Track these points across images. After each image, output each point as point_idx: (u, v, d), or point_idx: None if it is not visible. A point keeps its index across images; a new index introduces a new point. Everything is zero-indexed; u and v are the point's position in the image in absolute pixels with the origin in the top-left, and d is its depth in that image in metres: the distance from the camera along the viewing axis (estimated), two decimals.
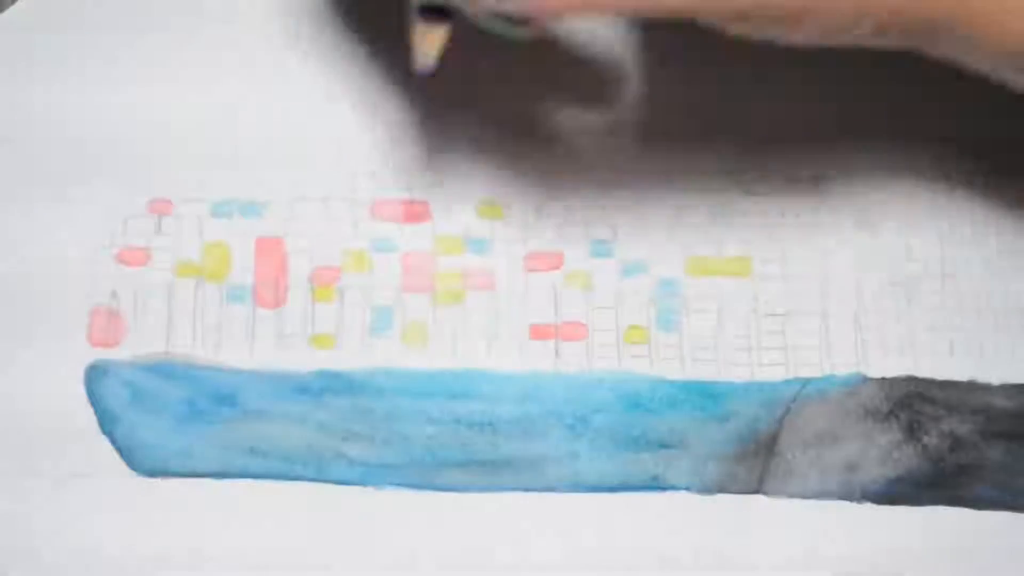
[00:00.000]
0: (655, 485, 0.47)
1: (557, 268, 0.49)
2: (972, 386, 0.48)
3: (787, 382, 0.48)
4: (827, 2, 0.42)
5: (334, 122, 0.50)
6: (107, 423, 0.47)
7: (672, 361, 0.48)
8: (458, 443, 0.47)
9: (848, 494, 0.47)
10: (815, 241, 0.50)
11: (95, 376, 0.47)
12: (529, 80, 0.51)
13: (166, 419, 0.47)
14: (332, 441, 0.47)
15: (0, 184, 0.49)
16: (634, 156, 0.50)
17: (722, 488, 0.47)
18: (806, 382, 0.48)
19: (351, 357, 0.48)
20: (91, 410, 0.47)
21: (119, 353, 0.48)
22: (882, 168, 0.50)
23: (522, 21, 0.43)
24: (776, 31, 0.43)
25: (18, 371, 0.47)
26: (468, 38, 0.51)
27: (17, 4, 0.51)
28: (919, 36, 0.43)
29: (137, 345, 0.48)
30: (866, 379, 0.48)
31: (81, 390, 0.47)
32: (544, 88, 0.51)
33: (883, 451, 0.48)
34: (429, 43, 0.45)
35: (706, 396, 0.48)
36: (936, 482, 0.47)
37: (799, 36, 0.43)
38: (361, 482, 0.47)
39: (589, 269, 0.49)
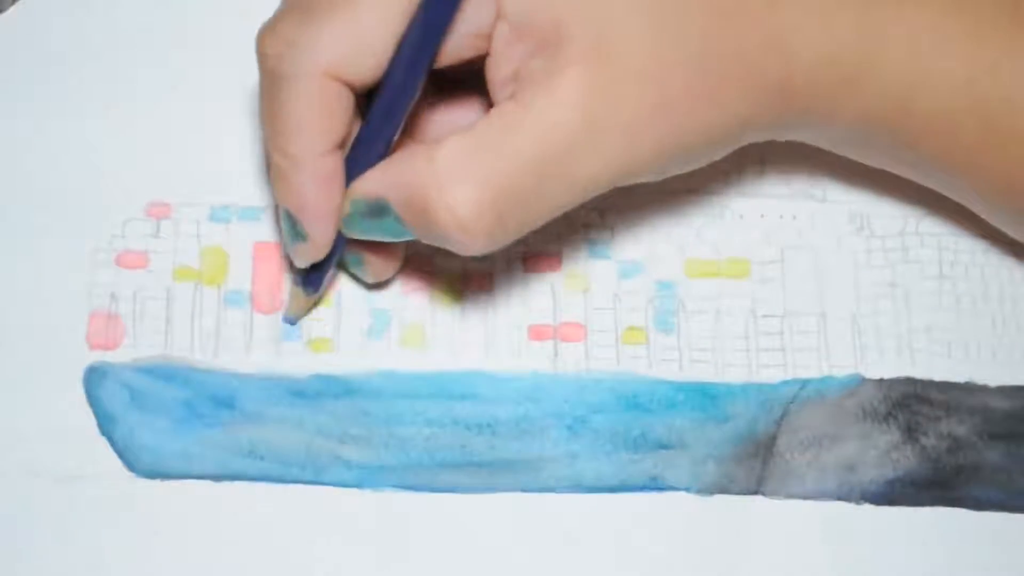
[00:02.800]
0: (654, 486, 0.47)
1: (555, 269, 0.49)
2: (970, 387, 0.48)
3: (785, 383, 0.48)
4: (689, 151, 0.44)
5: None
6: (106, 425, 0.47)
7: (671, 362, 0.48)
8: (457, 444, 0.47)
9: (847, 495, 0.47)
10: (814, 242, 0.50)
11: (94, 378, 0.47)
12: None
13: (164, 421, 0.47)
14: (330, 444, 0.47)
15: (0, 185, 0.49)
16: None
17: (721, 489, 0.47)
18: (804, 383, 0.48)
19: (349, 360, 0.48)
20: (90, 412, 0.47)
21: (118, 356, 0.48)
22: (881, 169, 0.50)
23: None
24: (657, 176, 0.44)
25: (17, 373, 0.47)
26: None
27: (17, 4, 0.51)
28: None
29: (136, 348, 0.48)
30: (864, 380, 0.48)
31: (80, 392, 0.47)
32: None
33: (881, 452, 0.48)
34: (298, 304, 0.48)
35: (705, 397, 0.48)
36: (934, 483, 0.47)
37: (680, 171, 0.45)
38: (359, 484, 0.47)
39: (587, 270, 0.49)
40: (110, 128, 0.50)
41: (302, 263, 0.46)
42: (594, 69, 0.41)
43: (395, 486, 0.47)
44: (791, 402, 0.48)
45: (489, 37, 0.42)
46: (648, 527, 0.47)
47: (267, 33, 0.42)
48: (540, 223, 0.43)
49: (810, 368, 0.48)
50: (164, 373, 0.48)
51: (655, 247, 0.50)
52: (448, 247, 0.42)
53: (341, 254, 0.46)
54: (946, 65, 0.44)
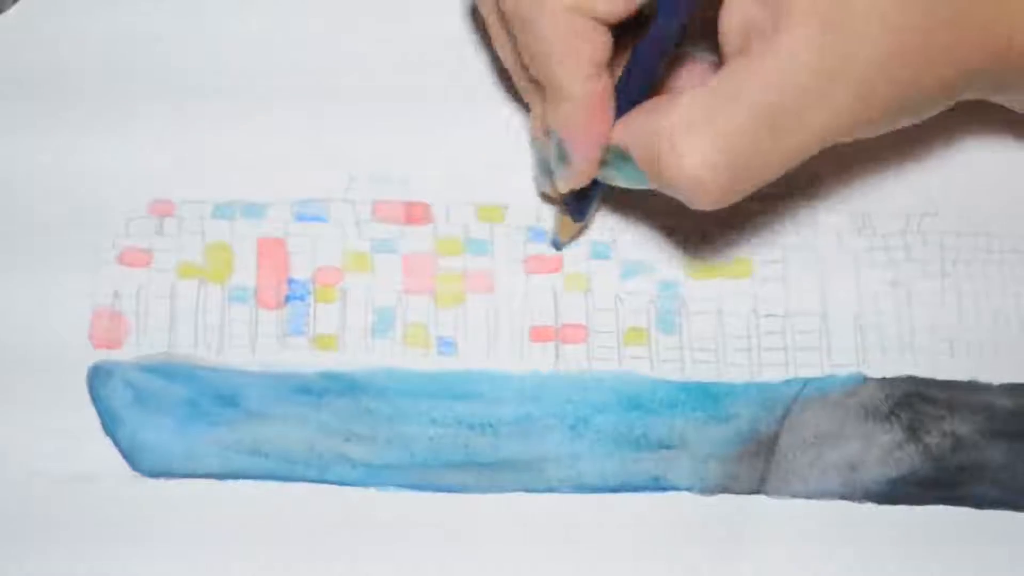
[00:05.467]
0: (656, 486, 0.47)
1: (557, 270, 0.49)
2: (973, 386, 0.48)
3: (787, 382, 0.48)
4: (918, 105, 0.44)
5: (335, 123, 0.50)
6: (110, 424, 0.47)
7: (672, 362, 0.48)
8: (459, 444, 0.47)
9: (849, 494, 0.47)
10: (815, 241, 0.50)
11: (98, 377, 0.47)
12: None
13: (168, 420, 0.47)
14: (334, 442, 0.47)
15: (1, 185, 0.49)
16: None
17: (723, 488, 0.47)
18: (806, 382, 0.48)
19: (353, 358, 0.48)
20: (94, 411, 0.47)
21: (122, 354, 0.48)
22: (882, 168, 0.50)
23: None
24: (883, 130, 0.45)
25: (21, 372, 0.47)
26: (468, 36, 0.51)
27: (17, 4, 0.51)
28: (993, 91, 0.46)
29: (139, 346, 0.48)
30: (866, 379, 0.48)
31: (84, 391, 0.47)
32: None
33: (884, 451, 0.47)
34: (567, 230, 0.49)
35: (707, 397, 0.48)
36: (937, 482, 0.47)
37: (904, 124, 0.45)
38: (363, 483, 0.47)
39: (589, 271, 0.49)
40: (111, 127, 0.50)
41: (564, 187, 0.46)
42: (826, 23, 0.41)
43: (398, 485, 0.47)
44: (793, 401, 0.48)
45: None
46: (650, 527, 0.47)
47: None
48: (772, 177, 0.43)
49: (812, 367, 0.48)
50: (168, 371, 0.48)
51: (657, 247, 0.49)
52: (683, 199, 0.43)
53: (601, 192, 0.47)
54: None
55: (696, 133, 0.42)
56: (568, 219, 0.48)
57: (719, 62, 0.45)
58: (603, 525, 0.47)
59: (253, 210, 0.50)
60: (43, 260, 0.49)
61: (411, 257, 0.49)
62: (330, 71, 0.51)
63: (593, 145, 0.45)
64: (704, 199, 0.43)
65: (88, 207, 0.49)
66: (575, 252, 0.49)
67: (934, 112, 0.45)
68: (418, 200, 0.50)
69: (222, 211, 0.50)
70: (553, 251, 0.49)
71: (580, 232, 0.49)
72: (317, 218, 0.50)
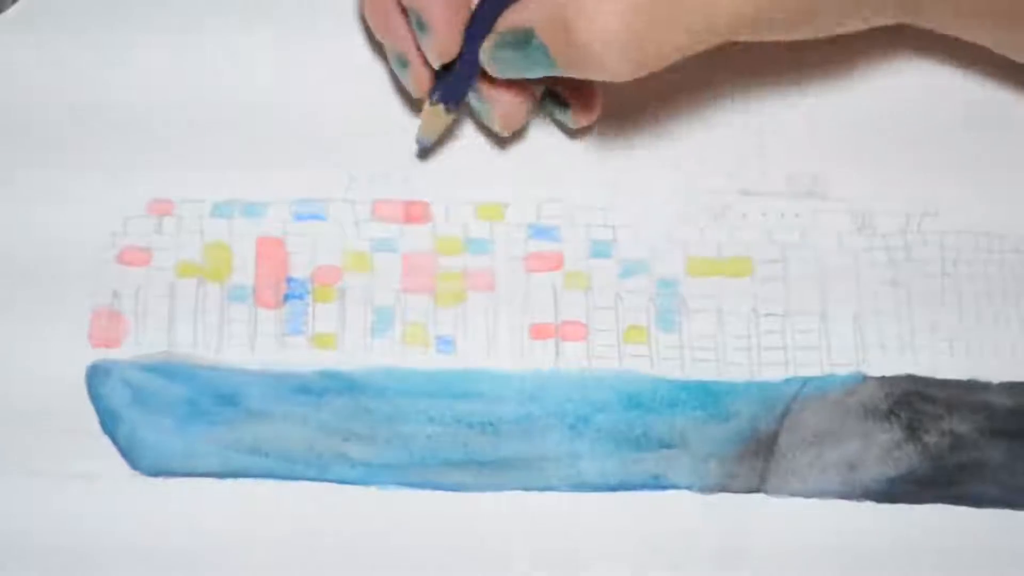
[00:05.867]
0: (656, 484, 0.47)
1: (557, 268, 0.49)
2: (972, 385, 0.48)
3: (787, 381, 0.48)
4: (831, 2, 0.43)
5: (335, 122, 0.50)
6: (109, 423, 0.47)
7: (672, 361, 0.48)
8: (459, 443, 0.47)
9: (849, 493, 0.47)
10: (816, 240, 0.50)
11: (97, 376, 0.47)
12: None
13: (168, 419, 0.47)
14: (333, 441, 0.47)
15: (0, 186, 0.49)
16: (634, 156, 0.50)
17: (723, 487, 0.47)
18: (806, 381, 0.48)
19: (352, 357, 0.48)
20: (93, 410, 0.47)
21: (120, 353, 0.48)
22: (882, 168, 0.50)
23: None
24: (784, 32, 0.44)
25: (20, 371, 0.47)
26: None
27: (17, 4, 0.51)
28: (909, 9, 0.45)
29: (138, 345, 0.48)
30: (866, 378, 0.48)
31: (83, 390, 0.47)
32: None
33: (883, 450, 0.47)
34: (433, 124, 0.48)
35: (706, 395, 0.48)
36: (936, 481, 0.47)
37: (806, 33, 0.44)
38: (362, 482, 0.47)
39: (589, 269, 0.49)
40: (110, 125, 0.50)
41: (433, 59, 0.46)
42: None
43: (398, 484, 0.47)
44: (793, 400, 0.48)
45: None
46: (650, 526, 0.47)
47: None
48: (676, 53, 0.43)
49: (812, 366, 0.48)
50: (167, 370, 0.48)
51: (656, 246, 0.49)
52: (591, 74, 0.43)
53: (475, 75, 0.47)
54: None
55: None
56: (440, 109, 0.48)
57: None
58: (603, 524, 0.47)
59: (252, 209, 0.50)
60: (42, 259, 0.48)
61: (411, 256, 0.49)
62: (330, 71, 0.51)
63: (449, 9, 0.45)
64: (615, 63, 0.43)
65: (87, 206, 0.49)
66: (575, 250, 0.49)
67: (851, 21, 0.45)
68: (418, 199, 0.50)
69: (221, 210, 0.50)
70: (553, 248, 0.49)
71: (448, 128, 0.49)
72: (316, 217, 0.50)
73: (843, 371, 0.48)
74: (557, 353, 0.48)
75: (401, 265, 0.49)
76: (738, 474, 0.47)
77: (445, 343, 0.48)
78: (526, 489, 0.47)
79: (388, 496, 0.47)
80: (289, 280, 0.49)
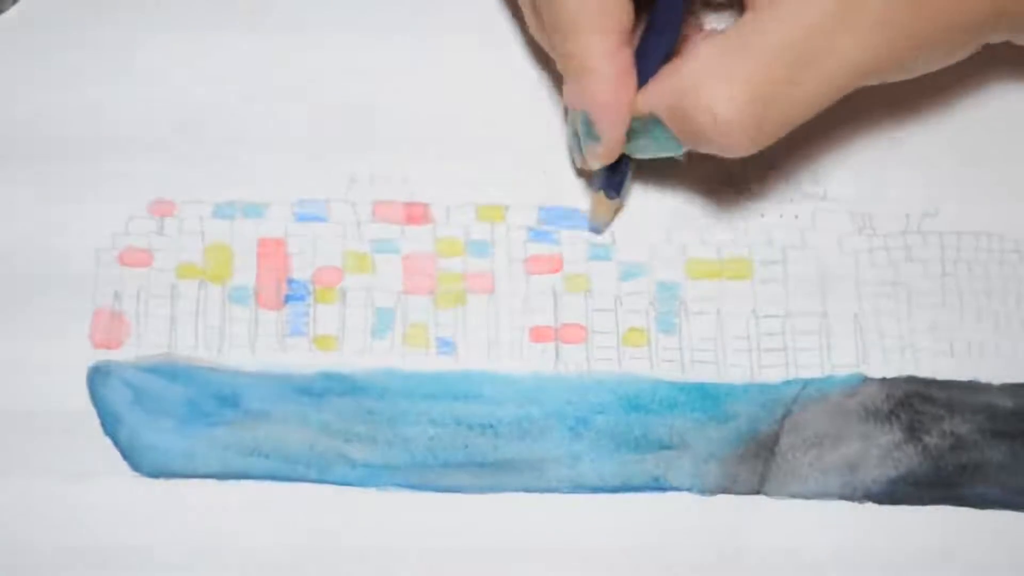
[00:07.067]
0: (656, 486, 0.47)
1: (557, 271, 0.49)
2: (973, 386, 0.48)
3: (787, 383, 0.48)
4: (942, 42, 0.45)
5: (336, 123, 0.50)
6: (110, 424, 0.47)
7: (672, 363, 0.48)
8: (459, 444, 0.47)
9: (849, 494, 0.47)
10: (815, 241, 0.49)
11: (98, 377, 0.47)
12: (531, 81, 0.51)
13: (169, 420, 0.47)
14: (334, 442, 0.47)
15: (1, 185, 0.49)
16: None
17: (723, 489, 0.47)
18: (806, 383, 0.48)
19: (353, 358, 0.48)
20: (94, 411, 0.47)
21: (121, 354, 0.48)
22: (882, 168, 0.50)
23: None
24: (902, 74, 0.45)
25: (21, 372, 0.47)
26: (468, 34, 0.51)
27: (18, 4, 0.51)
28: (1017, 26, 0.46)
29: (139, 346, 0.48)
30: (866, 379, 0.48)
31: (84, 391, 0.47)
32: (546, 89, 0.51)
33: (884, 451, 0.47)
34: (603, 210, 0.49)
35: (706, 397, 0.48)
36: (937, 482, 0.47)
37: (921, 70, 0.46)
38: (363, 483, 0.47)
39: (588, 271, 0.49)
40: (112, 126, 0.50)
41: (595, 164, 0.47)
42: None
43: (399, 485, 0.47)
44: (793, 402, 0.48)
45: None
46: (650, 527, 0.47)
47: None
48: (798, 120, 0.44)
49: (812, 368, 0.48)
50: (168, 372, 0.48)
51: (656, 248, 0.49)
52: (716, 150, 0.44)
53: (635, 162, 0.48)
54: None
55: (719, 79, 0.43)
56: (603, 197, 0.48)
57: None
58: (603, 525, 0.47)
59: (253, 210, 0.50)
60: (43, 260, 0.49)
61: (411, 257, 0.49)
62: (330, 71, 0.51)
63: (620, 118, 0.45)
64: (736, 144, 0.43)
65: (89, 207, 0.49)
66: (575, 252, 0.49)
67: (963, 52, 0.45)
68: (418, 200, 0.50)
69: (222, 211, 0.50)
70: (553, 251, 0.49)
71: (617, 211, 0.49)
72: (317, 218, 0.50)
73: (843, 372, 0.48)
74: (557, 355, 0.48)
75: (402, 266, 0.49)
76: (738, 476, 0.47)
77: (446, 345, 0.48)
78: (526, 491, 0.47)
79: (389, 497, 0.47)
80: (290, 281, 0.49)
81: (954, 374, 0.48)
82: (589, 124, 0.46)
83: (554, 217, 0.50)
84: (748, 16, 0.43)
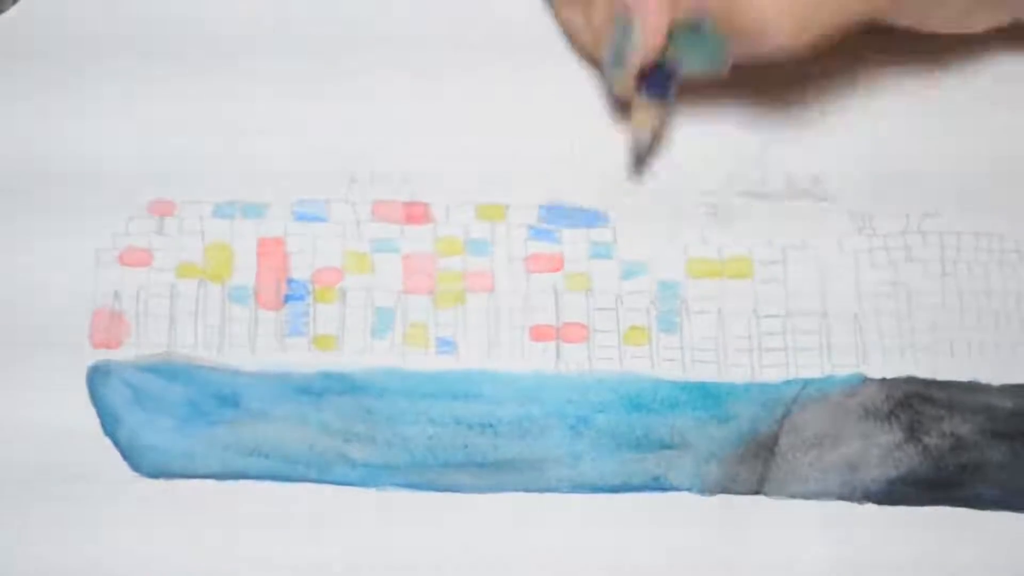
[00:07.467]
0: (657, 486, 0.47)
1: (557, 270, 0.49)
2: (973, 386, 0.48)
3: (787, 383, 0.48)
4: None
5: (335, 123, 0.50)
6: (109, 424, 0.47)
7: (673, 362, 0.48)
8: (460, 444, 0.47)
9: (849, 494, 0.47)
10: (816, 241, 0.50)
11: (97, 377, 0.47)
12: (532, 80, 0.51)
13: (168, 420, 0.47)
14: (334, 442, 0.47)
15: (1, 185, 0.49)
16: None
17: (723, 489, 0.47)
18: (806, 383, 0.48)
19: (353, 358, 0.48)
20: (93, 411, 0.47)
21: (121, 354, 0.48)
22: (882, 168, 0.50)
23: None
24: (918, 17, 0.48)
25: (20, 372, 0.47)
26: (466, 33, 0.52)
27: (17, 5, 0.51)
28: None
29: (139, 346, 0.48)
30: (866, 379, 0.48)
31: (83, 391, 0.47)
32: (546, 89, 0.51)
33: (884, 451, 0.48)
34: (644, 118, 0.49)
35: (707, 397, 0.48)
36: (937, 482, 0.47)
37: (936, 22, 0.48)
38: (363, 483, 0.47)
39: (589, 270, 0.49)
40: (112, 126, 0.50)
41: (639, 59, 0.47)
42: None
43: (399, 485, 0.47)
44: (793, 402, 0.48)
45: None
46: (651, 527, 0.47)
47: None
48: (838, 21, 0.45)
49: (812, 368, 0.48)
50: (168, 371, 0.48)
51: (657, 247, 0.49)
52: (758, 42, 0.45)
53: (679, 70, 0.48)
54: None
55: None
56: (647, 102, 0.49)
57: None
58: (603, 525, 0.47)
59: (253, 210, 0.50)
60: (43, 259, 0.49)
61: (411, 257, 0.49)
62: (331, 71, 0.51)
63: (660, 10, 0.46)
64: (781, 35, 0.45)
65: (88, 206, 0.49)
66: (576, 251, 0.49)
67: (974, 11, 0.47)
68: (418, 200, 0.50)
69: (222, 211, 0.50)
70: (553, 249, 0.49)
71: (658, 126, 0.49)
72: (317, 218, 0.50)
73: (843, 372, 0.48)
74: (558, 354, 0.48)
75: (401, 266, 0.49)
76: (738, 475, 0.47)
77: (446, 344, 0.48)
78: (527, 490, 0.47)
79: (389, 497, 0.47)
80: (290, 281, 0.49)
81: (954, 375, 0.48)
82: (629, 30, 0.46)
83: (555, 215, 0.50)
84: None
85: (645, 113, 0.49)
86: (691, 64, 0.47)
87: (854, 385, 0.48)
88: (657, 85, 0.48)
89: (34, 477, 0.46)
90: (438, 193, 0.50)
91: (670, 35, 0.47)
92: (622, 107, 0.50)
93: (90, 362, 0.48)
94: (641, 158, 0.49)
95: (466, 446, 0.47)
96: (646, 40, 0.47)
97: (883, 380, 0.48)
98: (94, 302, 0.48)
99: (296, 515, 0.47)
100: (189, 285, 0.49)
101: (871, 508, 0.47)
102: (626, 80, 0.48)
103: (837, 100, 0.51)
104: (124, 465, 0.47)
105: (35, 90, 0.50)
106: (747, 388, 0.48)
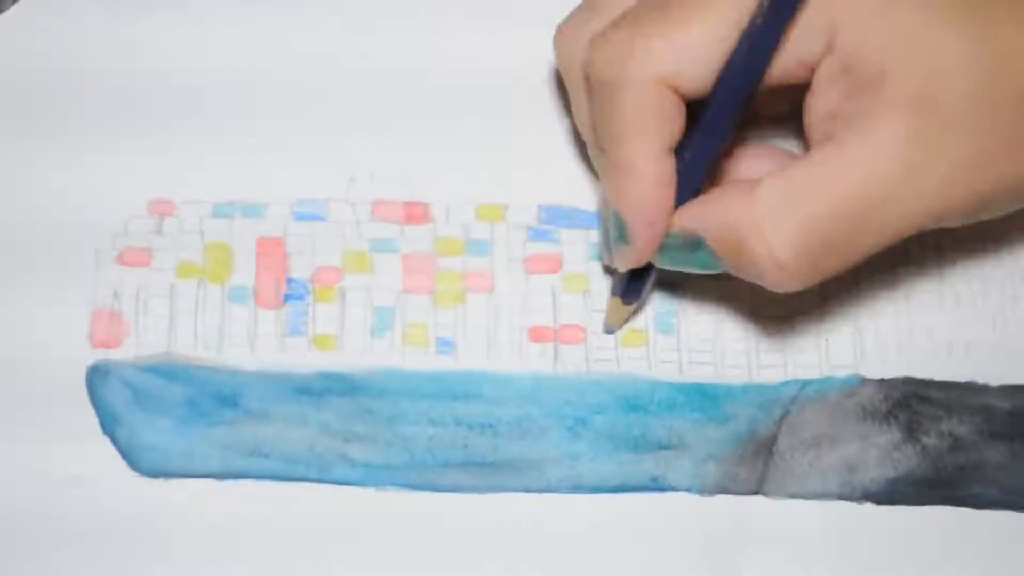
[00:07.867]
0: (655, 486, 0.47)
1: (556, 270, 0.49)
2: (971, 387, 0.48)
3: (786, 384, 0.48)
4: (1004, 201, 0.43)
5: (335, 122, 0.50)
6: (109, 424, 0.47)
7: (671, 363, 0.48)
8: (459, 444, 0.47)
9: (848, 495, 0.47)
10: None
11: (97, 377, 0.47)
12: (532, 80, 0.51)
13: (168, 420, 0.47)
14: (335, 442, 0.47)
15: (1, 185, 0.49)
16: None
17: (722, 489, 0.47)
18: (805, 384, 0.48)
19: (352, 358, 0.48)
20: (93, 411, 0.47)
21: (121, 354, 0.48)
22: None
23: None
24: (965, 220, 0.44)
25: (20, 371, 0.47)
26: (469, 34, 0.51)
27: (16, 6, 0.51)
28: None
29: (139, 346, 0.48)
30: (865, 380, 0.48)
31: (83, 391, 0.47)
32: (546, 89, 0.51)
33: (882, 452, 0.48)
34: (618, 315, 0.48)
35: (705, 398, 0.48)
36: (936, 482, 0.47)
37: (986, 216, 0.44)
38: (362, 483, 0.47)
39: (588, 271, 0.49)
40: (111, 126, 0.50)
41: (622, 266, 0.46)
42: (915, 117, 0.41)
43: (398, 485, 0.47)
44: (791, 403, 0.48)
45: (813, 69, 0.42)
46: (649, 527, 0.47)
47: (600, 42, 0.43)
48: (850, 266, 0.43)
49: (810, 369, 0.48)
50: (167, 371, 0.48)
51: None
52: (758, 282, 0.43)
53: (654, 273, 0.47)
54: None
55: (785, 220, 0.41)
56: (620, 301, 0.47)
57: (779, 149, 0.46)
58: (603, 525, 0.47)
59: (253, 210, 0.50)
60: (42, 260, 0.49)
61: (411, 257, 0.49)
62: (331, 71, 0.51)
63: (655, 227, 0.44)
64: (788, 284, 0.42)
65: (88, 207, 0.49)
66: (575, 252, 0.49)
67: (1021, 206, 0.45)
68: (418, 200, 0.50)
69: (222, 211, 0.50)
70: (552, 250, 0.49)
71: (632, 315, 0.49)
72: (317, 218, 0.50)
73: (841, 373, 0.48)
74: (556, 355, 0.48)
75: (401, 266, 0.49)
76: (737, 476, 0.47)
77: (445, 344, 0.48)
78: (525, 491, 0.47)
79: (388, 497, 0.47)
80: (289, 281, 0.49)
81: (952, 375, 0.48)
82: (622, 227, 0.44)
83: (554, 216, 0.50)
84: (814, 156, 0.42)
85: (617, 311, 0.48)
86: (675, 267, 0.45)
87: (852, 386, 0.48)
88: (632, 292, 0.47)
89: (33, 476, 0.46)
90: (438, 193, 0.50)
91: (661, 248, 0.45)
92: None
93: (89, 362, 0.48)
94: (611, 333, 0.49)
95: (465, 446, 0.47)
96: (635, 256, 0.45)
97: (881, 381, 0.48)
98: (94, 302, 0.48)
99: (296, 515, 0.47)
100: (189, 285, 0.49)
101: (870, 508, 0.47)
102: (608, 263, 0.47)
103: None
104: (123, 464, 0.47)
105: (34, 90, 0.50)
106: (745, 389, 0.48)
